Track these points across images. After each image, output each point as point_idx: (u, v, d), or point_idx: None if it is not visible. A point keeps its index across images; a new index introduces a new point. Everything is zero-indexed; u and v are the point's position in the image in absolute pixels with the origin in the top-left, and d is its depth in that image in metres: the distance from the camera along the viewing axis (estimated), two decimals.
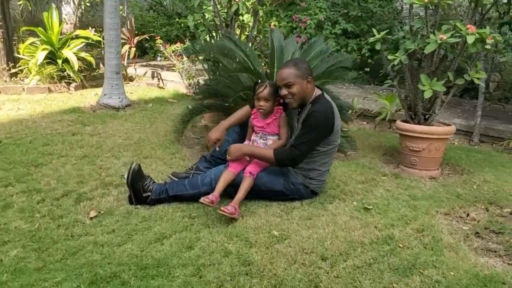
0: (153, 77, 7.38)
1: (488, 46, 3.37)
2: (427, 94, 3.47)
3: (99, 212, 2.93)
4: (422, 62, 3.72)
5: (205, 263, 2.41)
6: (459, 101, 6.32)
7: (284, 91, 3.00)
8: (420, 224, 2.83)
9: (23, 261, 2.37)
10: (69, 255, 2.44)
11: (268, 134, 3.20)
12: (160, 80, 7.33)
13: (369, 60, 6.99)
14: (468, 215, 2.96)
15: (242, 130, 3.46)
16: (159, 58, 8.57)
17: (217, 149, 3.33)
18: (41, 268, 2.31)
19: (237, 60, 4.18)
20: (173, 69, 7.30)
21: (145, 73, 7.48)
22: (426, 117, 3.80)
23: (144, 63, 8.15)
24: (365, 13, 7.19)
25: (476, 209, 3.11)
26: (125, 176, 3.09)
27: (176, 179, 3.40)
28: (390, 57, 3.59)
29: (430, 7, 3.61)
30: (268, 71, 4.20)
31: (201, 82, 6.80)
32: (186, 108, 5.80)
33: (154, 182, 3.15)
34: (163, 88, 7.24)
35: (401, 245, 2.59)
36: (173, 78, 7.25)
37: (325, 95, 3.10)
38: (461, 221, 2.94)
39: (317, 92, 3.09)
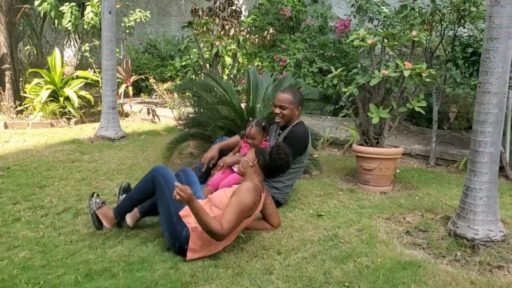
0: (148, 113, 8.03)
1: (428, 79, 4.01)
2: (375, 120, 4.10)
3: None
4: (372, 94, 4.36)
5: (181, 259, 2.95)
6: (423, 130, 6.95)
7: (277, 110, 3.70)
8: (361, 225, 3.40)
9: (30, 260, 2.90)
10: (68, 256, 2.97)
11: None
12: (155, 116, 7.98)
13: (321, 94, 7.68)
14: (404, 219, 3.52)
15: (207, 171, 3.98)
16: (154, 96, 9.26)
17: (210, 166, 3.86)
18: (45, 265, 2.83)
19: (218, 95, 4.83)
20: (165, 106, 7.96)
21: (141, 109, 8.14)
22: (378, 141, 4.41)
23: (140, 101, 8.84)
24: (339, 53, 7.94)
25: (414, 215, 3.67)
26: (116, 192, 3.68)
27: None
28: (344, 89, 4.24)
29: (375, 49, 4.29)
30: (246, 102, 4.85)
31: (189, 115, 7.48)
32: (174, 139, 6.44)
33: None
34: (156, 123, 7.89)
35: (342, 241, 3.15)
36: (166, 114, 7.90)
37: (303, 123, 3.80)
38: (398, 224, 3.50)
39: (299, 119, 3.85)
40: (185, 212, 2.94)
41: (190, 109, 7.46)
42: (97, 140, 6.09)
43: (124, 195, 3.52)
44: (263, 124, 3.76)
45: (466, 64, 4.96)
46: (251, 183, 3.04)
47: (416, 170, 5.23)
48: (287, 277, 2.70)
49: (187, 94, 5.84)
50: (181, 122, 7.37)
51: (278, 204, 3.76)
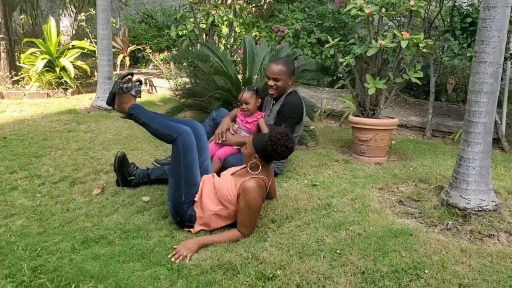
0: (145, 83, 7.98)
1: (425, 50, 3.98)
2: (371, 91, 4.08)
3: (102, 190, 3.49)
4: (369, 64, 4.34)
5: (176, 228, 2.99)
6: (420, 102, 6.94)
7: (271, 82, 3.68)
8: (355, 195, 3.43)
9: (27, 228, 2.94)
10: (65, 224, 3.01)
11: (243, 130, 3.81)
12: (151, 87, 7.94)
13: (317, 64, 7.64)
14: (398, 189, 3.55)
15: (213, 124, 4.04)
16: (150, 67, 9.19)
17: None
18: (42, 233, 2.87)
19: (214, 66, 4.80)
20: (162, 76, 7.92)
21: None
22: (374, 112, 4.40)
23: (136, 71, 8.77)
24: (338, 24, 7.85)
25: (407, 185, 3.70)
26: (112, 162, 3.69)
27: (159, 165, 4.00)
28: (340, 59, 4.21)
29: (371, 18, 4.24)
30: (241, 72, 4.83)
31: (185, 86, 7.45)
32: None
33: (137, 167, 3.73)
34: (152, 93, 7.86)
35: (335, 210, 3.19)
36: (162, 84, 7.86)
37: (297, 92, 3.78)
38: (392, 194, 3.53)
39: (292, 88, 3.83)
40: (198, 200, 2.98)
41: (187, 80, 7.45)
42: (94, 110, 6.08)
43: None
44: (255, 88, 3.78)
45: (465, 35, 4.91)
46: (254, 181, 2.85)
47: (411, 142, 5.24)
48: (280, 244, 2.74)
49: (183, 64, 5.80)
50: (177, 92, 7.39)
51: (274, 174, 3.78)
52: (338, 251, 2.66)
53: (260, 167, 2.93)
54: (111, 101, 3.32)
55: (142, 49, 8.53)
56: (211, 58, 4.81)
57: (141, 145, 4.70)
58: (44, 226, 2.96)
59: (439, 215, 3.08)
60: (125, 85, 3.18)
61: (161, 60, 7.53)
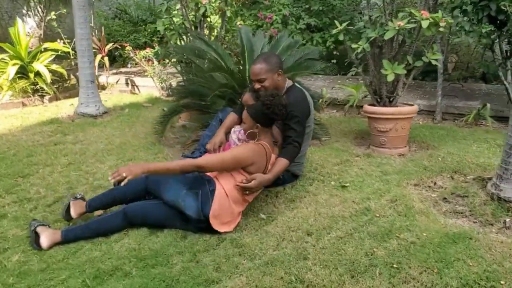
0: (126, 84, 7.48)
1: (442, 29, 3.66)
2: (390, 78, 3.74)
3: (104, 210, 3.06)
4: (383, 49, 3.99)
5: (200, 249, 2.61)
6: (420, 83, 6.66)
7: (257, 85, 3.21)
8: (393, 195, 3.09)
9: (26, 264, 2.51)
10: (69, 255, 2.59)
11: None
12: (134, 86, 7.44)
13: (334, 52, 7.27)
14: (435, 183, 3.23)
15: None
16: (129, 65, 8.67)
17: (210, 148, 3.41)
18: (44, 269, 2.45)
19: (211, 60, 4.36)
20: (145, 75, 7.43)
21: (118, 80, 7.58)
22: (390, 99, 4.07)
23: (115, 71, 8.24)
24: (326, 7, 7.48)
25: (443, 178, 3.39)
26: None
27: None
28: (353, 45, 3.85)
29: None
30: (241, 67, 4.41)
31: (174, 84, 6.99)
32: (163, 110, 5.97)
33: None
34: (136, 94, 7.37)
35: (377, 215, 2.85)
36: (145, 83, 7.38)
37: (296, 85, 3.33)
38: (430, 190, 3.22)
39: (289, 83, 3.31)
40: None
41: (175, 78, 6.99)
42: (78, 118, 5.56)
43: None
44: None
45: (475, 10, 4.61)
46: (253, 143, 2.94)
47: (425, 127, 4.95)
48: (325, 262, 2.40)
49: (172, 60, 5.34)
50: (165, 92, 6.92)
51: (295, 177, 3.42)
52: (394, 265, 2.33)
53: (258, 136, 2.96)
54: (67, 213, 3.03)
55: (120, 47, 7.99)
56: (207, 53, 4.37)
57: (138, 153, 4.25)
58: (45, 261, 2.54)
59: (491, 211, 2.78)
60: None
61: (143, 58, 7.03)
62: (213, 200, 2.74)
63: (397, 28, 3.58)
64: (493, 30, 4.50)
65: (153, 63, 6.92)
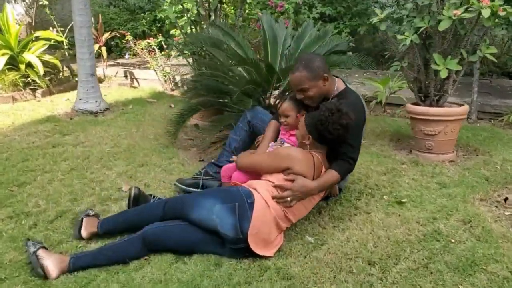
0: (125, 76, 6.92)
1: (497, 20, 3.20)
2: (443, 74, 3.28)
3: None
4: (431, 41, 3.52)
5: (240, 281, 2.14)
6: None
7: (299, 95, 2.69)
8: (463, 214, 2.64)
9: None
10: (81, 287, 2.11)
11: (286, 142, 2.88)
12: (133, 79, 6.89)
13: (350, 44, 6.78)
14: (506, 199, 2.78)
15: (250, 128, 3.16)
16: (127, 56, 8.10)
17: None
18: None
19: (228, 51, 3.84)
20: (146, 67, 6.88)
21: (116, 73, 7.01)
22: (438, 98, 3.61)
23: (112, 62, 7.65)
24: None
25: (510, 191, 2.95)
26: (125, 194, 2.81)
27: (183, 186, 3.09)
28: (399, 37, 3.37)
29: None
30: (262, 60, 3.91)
31: (178, 78, 6.47)
32: (170, 106, 5.46)
33: (159, 198, 2.84)
34: (137, 88, 6.81)
35: (452, 240, 2.39)
36: (147, 76, 6.83)
37: (349, 87, 2.82)
38: (500, 206, 2.77)
39: (339, 84, 2.77)
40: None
41: (180, 71, 6.48)
42: (77, 115, 4.99)
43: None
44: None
45: None
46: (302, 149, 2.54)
47: (463, 128, 4.50)
48: None
49: (184, 52, 4.81)
50: (169, 86, 6.40)
51: (339, 190, 2.94)
52: None
53: (308, 149, 2.53)
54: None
55: (119, 36, 7.39)
56: (225, 44, 3.85)
57: (150, 158, 3.74)
58: None
59: None
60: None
61: (142, 48, 6.46)
62: (252, 213, 2.28)
63: (454, 17, 3.10)
64: None
65: (155, 54, 6.37)
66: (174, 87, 6.53)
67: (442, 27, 3.15)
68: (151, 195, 2.86)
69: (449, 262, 2.21)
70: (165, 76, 6.34)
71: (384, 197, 2.91)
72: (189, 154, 3.88)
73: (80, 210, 2.86)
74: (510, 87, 5.65)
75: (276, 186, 2.41)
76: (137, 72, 6.95)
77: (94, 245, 2.49)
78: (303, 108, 2.78)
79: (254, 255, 2.30)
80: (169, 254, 2.36)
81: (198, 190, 3.06)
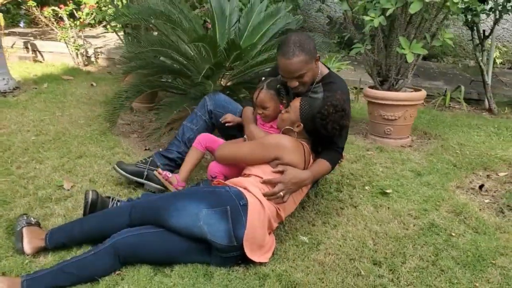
0: (26, 48, 6.01)
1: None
2: (410, 58, 3.21)
3: None
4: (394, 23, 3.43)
5: None
6: None
7: (294, 83, 2.37)
8: (451, 205, 2.59)
9: None
10: None
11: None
12: (36, 52, 6.00)
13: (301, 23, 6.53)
14: (481, 187, 2.80)
15: (210, 118, 2.80)
16: (21, 24, 7.05)
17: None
18: None
19: (182, 27, 3.39)
20: (48, 38, 6.04)
21: (13, 44, 6.05)
22: (395, 83, 3.56)
23: (7, 31, 6.60)
24: None
25: (479, 178, 2.99)
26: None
27: (124, 173, 2.67)
28: (366, 18, 3.23)
29: None
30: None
31: (90, 52, 5.80)
32: (91, 85, 4.83)
33: (118, 201, 2.41)
34: (42, 62, 5.95)
35: (453, 234, 2.32)
36: (53, 49, 5.98)
37: (332, 72, 2.57)
38: (476, 193, 2.78)
39: (323, 70, 2.48)
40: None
41: (91, 44, 5.79)
42: None
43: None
44: (278, 86, 2.46)
45: None
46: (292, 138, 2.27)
47: None
48: None
49: (113, 25, 4.22)
50: (82, 61, 5.69)
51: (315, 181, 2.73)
52: None
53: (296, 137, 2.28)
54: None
55: (21, 1, 6.36)
56: (169, 16, 3.38)
57: (87, 148, 3.22)
58: None
59: None
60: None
61: (45, 16, 5.58)
62: (247, 217, 1.99)
63: (427, 0, 3.02)
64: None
65: (64, 23, 5.57)
66: (87, 62, 5.81)
67: (414, 9, 3.05)
68: (108, 197, 2.42)
69: (456, 257, 2.13)
70: (77, 49, 5.61)
71: (366, 187, 2.78)
72: (130, 141, 3.43)
73: (15, 215, 2.35)
74: (433, 69, 5.90)
75: (265, 182, 2.14)
76: (40, 44, 6.06)
77: (44, 260, 2.04)
78: (281, 97, 2.49)
79: (246, 261, 2.03)
80: (145, 265, 1.99)
81: (141, 180, 2.68)
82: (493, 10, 4.29)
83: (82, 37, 5.68)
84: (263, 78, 2.56)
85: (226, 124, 2.70)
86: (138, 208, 2.14)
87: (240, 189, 2.10)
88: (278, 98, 2.46)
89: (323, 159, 2.30)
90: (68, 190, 2.68)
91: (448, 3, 3.11)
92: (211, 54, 3.15)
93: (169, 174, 2.63)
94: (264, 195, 2.10)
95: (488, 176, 3.00)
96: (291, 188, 2.13)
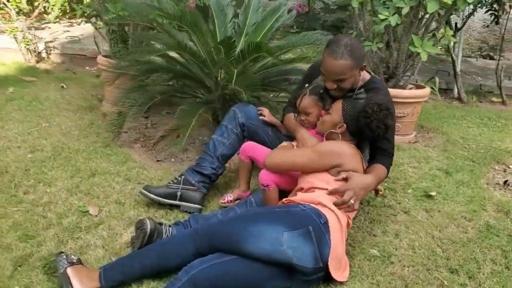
0: None
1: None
2: (424, 57, 3.25)
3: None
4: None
5: None
6: None
7: (331, 84, 2.25)
8: (494, 203, 2.66)
9: None
10: None
11: None
12: None
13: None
14: (506, 182, 2.92)
15: (242, 131, 2.65)
16: None
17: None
18: None
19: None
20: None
21: None
22: (401, 80, 3.60)
23: None
24: None
25: (498, 172, 3.12)
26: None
27: (156, 197, 2.47)
28: (381, 17, 3.20)
29: None
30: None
31: (41, 47, 5.27)
32: (62, 87, 4.37)
33: (170, 226, 2.23)
34: None
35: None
36: None
37: (375, 77, 2.51)
38: (504, 189, 2.88)
39: (365, 75, 2.39)
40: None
41: (41, 39, 5.22)
42: None
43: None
44: (321, 92, 2.38)
45: None
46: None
47: None
48: None
49: (96, 22, 3.81)
50: (33, 58, 5.13)
51: None
52: None
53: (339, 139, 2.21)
54: None
55: None
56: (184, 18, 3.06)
57: (96, 164, 2.91)
58: None
59: None
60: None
61: None
62: (329, 234, 1.92)
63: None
64: None
65: (10, 16, 4.97)
66: (38, 58, 5.25)
67: (431, 9, 3.07)
68: (160, 224, 2.20)
69: None
70: (27, 44, 5.03)
71: (408, 191, 2.78)
72: (137, 152, 3.15)
73: (48, 251, 2.08)
74: None
75: (332, 193, 2.07)
76: None
77: None
78: (324, 104, 2.40)
79: (325, 281, 1.96)
80: None
81: (176, 202, 2.50)
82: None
83: (33, 30, 5.11)
84: (306, 85, 2.47)
85: (260, 117, 2.61)
86: (203, 235, 1.97)
87: (316, 206, 2.00)
88: (321, 104, 2.39)
89: (379, 164, 2.27)
90: (96, 215, 2.41)
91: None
92: (224, 55, 2.94)
93: (230, 197, 2.48)
94: (335, 204, 2.02)
95: (504, 170, 3.14)
96: (359, 194, 2.07)
